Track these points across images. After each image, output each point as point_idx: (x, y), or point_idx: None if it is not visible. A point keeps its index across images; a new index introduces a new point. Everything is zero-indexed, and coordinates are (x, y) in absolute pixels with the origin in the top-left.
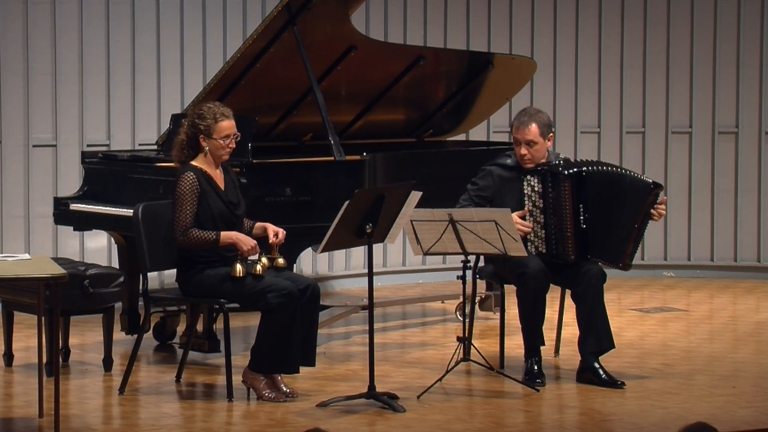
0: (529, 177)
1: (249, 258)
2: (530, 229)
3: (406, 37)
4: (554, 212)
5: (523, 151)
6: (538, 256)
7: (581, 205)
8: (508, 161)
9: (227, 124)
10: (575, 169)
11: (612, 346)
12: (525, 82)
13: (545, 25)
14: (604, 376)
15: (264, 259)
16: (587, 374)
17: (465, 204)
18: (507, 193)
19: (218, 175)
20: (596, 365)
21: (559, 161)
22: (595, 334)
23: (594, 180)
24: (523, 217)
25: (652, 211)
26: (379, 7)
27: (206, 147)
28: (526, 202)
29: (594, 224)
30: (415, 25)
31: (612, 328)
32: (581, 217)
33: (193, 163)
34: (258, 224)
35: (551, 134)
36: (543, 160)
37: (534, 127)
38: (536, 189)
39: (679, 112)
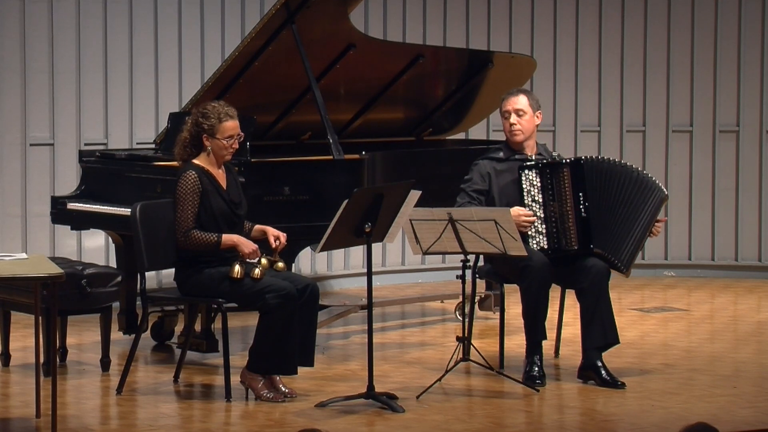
0: (527, 172)
1: (248, 260)
2: (535, 218)
3: (405, 36)
4: (555, 202)
5: (513, 119)
6: (540, 252)
7: (581, 194)
8: (500, 154)
9: (231, 125)
10: (573, 158)
11: (617, 341)
12: (525, 80)
13: (545, 24)
14: (605, 375)
15: (264, 260)
16: (588, 372)
17: (464, 203)
18: (502, 186)
19: (220, 175)
20: (599, 363)
21: (556, 155)
22: (601, 329)
23: (593, 169)
24: None
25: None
26: (378, 6)
27: (209, 146)
28: (525, 197)
29: (597, 214)
30: (415, 23)
31: None
32: (581, 206)
33: (195, 161)
34: (257, 227)
35: (540, 112)
36: (533, 145)
37: (523, 97)
38: (535, 183)
39: (680, 110)
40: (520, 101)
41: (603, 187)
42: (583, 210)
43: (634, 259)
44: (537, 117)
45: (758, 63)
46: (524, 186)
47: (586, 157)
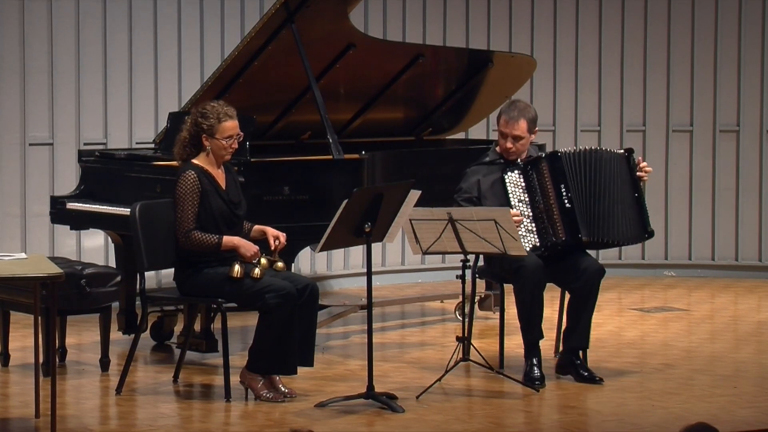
0: (509, 174)
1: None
2: (522, 218)
3: (405, 35)
4: (541, 197)
5: (509, 144)
6: (533, 251)
7: (562, 185)
8: (486, 159)
9: (230, 125)
10: (550, 151)
11: (587, 345)
12: (525, 80)
13: (545, 23)
14: (582, 371)
15: (263, 260)
16: (568, 368)
17: None
18: (490, 190)
19: (220, 174)
20: (577, 361)
21: (541, 154)
22: (581, 331)
23: (570, 160)
24: None
25: (640, 174)
26: (378, 5)
27: (208, 146)
28: (511, 199)
29: (581, 204)
30: (414, 22)
31: (612, 328)
32: (564, 198)
33: (195, 161)
34: (256, 227)
35: (536, 129)
36: (524, 154)
37: (523, 123)
38: (519, 183)
39: (680, 110)
40: (520, 127)
41: (582, 176)
42: (566, 201)
43: (644, 223)
44: (533, 135)
45: (758, 63)
46: (508, 188)
47: (563, 150)
